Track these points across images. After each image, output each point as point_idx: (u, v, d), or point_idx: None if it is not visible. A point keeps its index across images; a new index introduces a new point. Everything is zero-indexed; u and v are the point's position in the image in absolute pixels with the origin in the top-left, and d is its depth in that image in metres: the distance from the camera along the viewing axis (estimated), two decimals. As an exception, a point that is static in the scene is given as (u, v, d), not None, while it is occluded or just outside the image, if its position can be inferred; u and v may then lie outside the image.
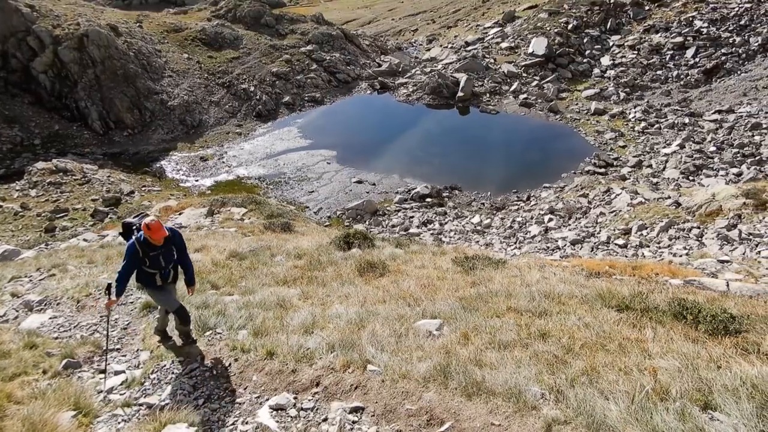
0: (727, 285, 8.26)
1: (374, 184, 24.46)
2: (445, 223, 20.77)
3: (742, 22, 34.48)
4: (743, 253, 14.64)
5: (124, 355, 5.70)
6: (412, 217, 21.23)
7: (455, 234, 19.72)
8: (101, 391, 4.92)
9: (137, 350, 5.77)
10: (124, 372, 5.26)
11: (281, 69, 36.49)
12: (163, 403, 4.60)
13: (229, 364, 5.10)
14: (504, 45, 38.49)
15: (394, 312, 5.81)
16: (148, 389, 4.93)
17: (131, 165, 27.24)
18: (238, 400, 4.58)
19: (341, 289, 7.19)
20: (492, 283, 6.92)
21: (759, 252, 14.58)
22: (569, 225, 19.41)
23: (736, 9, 35.52)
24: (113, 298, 5.00)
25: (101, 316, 6.55)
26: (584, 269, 9.16)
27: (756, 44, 32.78)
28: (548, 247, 17.74)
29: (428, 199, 22.51)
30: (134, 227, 5.32)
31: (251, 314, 6.18)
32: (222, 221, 15.57)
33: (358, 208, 21.95)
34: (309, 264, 8.95)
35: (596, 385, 3.70)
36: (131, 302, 7.13)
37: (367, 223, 21.19)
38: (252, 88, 34.29)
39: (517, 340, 4.74)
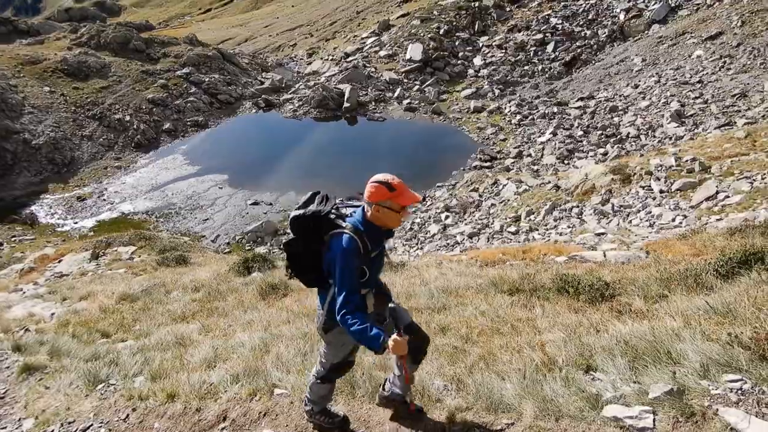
0: (604, 255, 9.05)
1: (271, 204, 24.02)
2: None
3: (590, 17, 38.17)
4: (617, 224, 16.08)
5: (4, 428, 5.12)
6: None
7: (358, 242, 19.86)
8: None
9: (19, 419, 5.22)
10: (4, 446, 4.74)
11: (158, 95, 34.78)
12: (54, 472, 4.20)
13: (127, 415, 4.77)
14: (382, 53, 39.53)
15: (299, 331, 5.74)
16: (36, 460, 4.47)
17: (-5, 215, 24.60)
18: (140, 451, 4.29)
19: (244, 317, 6.99)
20: (393, 287, 7.06)
21: (630, 221, 16.12)
22: (465, 219, 20.29)
23: (583, 5, 39.27)
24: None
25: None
26: (479, 260, 9.63)
27: (604, 36, 36.41)
28: (448, 244, 18.42)
29: (327, 212, 22.47)
30: (329, 213, 2.96)
31: (147, 358, 5.82)
32: (109, 263, 14.51)
33: (258, 231, 21.44)
34: (208, 295, 8.61)
35: (493, 368, 3.91)
36: (6, 367, 6.43)
37: (269, 244, 20.76)
38: (128, 118, 32.35)
39: (420, 338, 4.88)
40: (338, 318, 2.80)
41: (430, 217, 21.04)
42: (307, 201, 3.07)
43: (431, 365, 4.14)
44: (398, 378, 3.33)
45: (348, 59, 40.09)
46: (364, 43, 42.69)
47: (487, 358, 4.14)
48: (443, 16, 41.22)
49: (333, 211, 3.01)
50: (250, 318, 6.82)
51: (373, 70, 37.67)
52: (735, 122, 22.52)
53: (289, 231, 3.06)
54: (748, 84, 25.68)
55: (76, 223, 24.08)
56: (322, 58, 44.16)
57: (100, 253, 15.29)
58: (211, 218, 23.27)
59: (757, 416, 2.56)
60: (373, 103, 33.95)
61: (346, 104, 33.32)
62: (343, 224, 2.92)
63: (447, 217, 20.58)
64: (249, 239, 21.08)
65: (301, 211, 2.97)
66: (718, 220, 12.42)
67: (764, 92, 24.30)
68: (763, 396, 2.71)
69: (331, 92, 34.27)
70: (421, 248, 18.39)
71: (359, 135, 31.62)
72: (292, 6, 70.77)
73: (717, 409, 2.70)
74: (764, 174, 14.99)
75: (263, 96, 36.85)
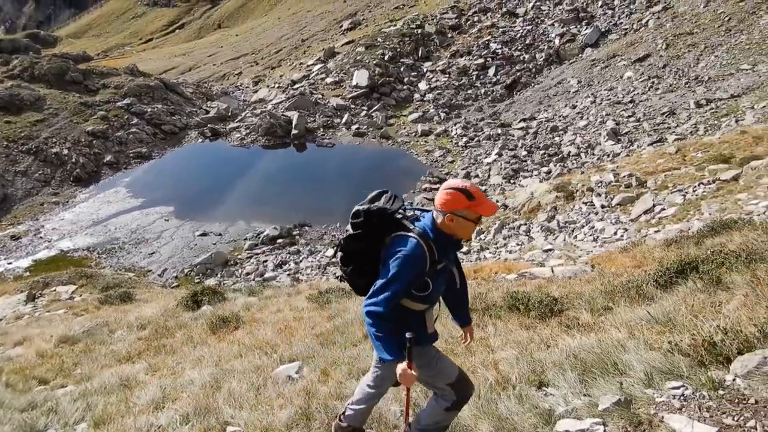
0: (552, 271, 9.30)
1: (220, 234, 23.48)
2: (300, 261, 20.62)
3: (528, 42, 39.87)
4: (563, 240, 16.59)
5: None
6: (266, 261, 20.74)
7: (312, 270, 19.66)
8: None
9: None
10: None
11: (98, 127, 33.63)
12: None
13: (67, 467, 4.48)
14: (329, 80, 39.83)
15: (252, 364, 5.59)
16: None
17: None
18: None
19: (193, 353, 6.74)
20: (347, 313, 7.00)
21: (575, 236, 16.68)
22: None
23: (521, 31, 41.02)
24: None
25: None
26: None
27: (541, 59, 38.06)
28: (401, 266, 18.45)
29: (279, 240, 22.19)
30: (396, 212, 2.74)
31: (90, 403, 5.50)
32: (47, 304, 13.75)
33: (207, 262, 20.86)
34: (155, 333, 8.27)
35: (448, 390, 3.91)
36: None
37: (219, 275, 20.21)
38: (65, 152, 31.07)
39: (375, 364, 4.84)
40: (364, 307, 2.61)
41: (382, 241, 21.07)
42: (373, 198, 2.80)
43: (387, 392, 4.10)
44: (425, 416, 3.13)
45: (295, 86, 40.15)
46: (310, 70, 42.92)
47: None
48: (387, 43, 42.06)
49: (401, 211, 2.79)
50: (199, 354, 6.59)
51: (320, 96, 37.85)
52: (666, 138, 23.86)
53: (348, 227, 2.80)
54: (675, 102, 27.33)
55: (10, 263, 22.73)
56: (268, 86, 44.05)
57: (37, 294, 14.48)
58: (158, 252, 22.49)
59: (699, 420, 2.66)
60: (322, 130, 34.03)
61: (294, 131, 33.24)
62: (411, 227, 2.69)
63: (399, 239, 20.67)
64: (198, 271, 20.48)
65: (368, 206, 2.74)
66: (656, 232, 13.02)
67: (690, 110, 25.92)
68: (704, 401, 2.82)
69: (278, 120, 34.14)
70: (376, 272, 18.35)
71: (309, 161, 31.54)
72: (236, 35, 70.51)
73: (662, 417, 2.79)
74: (695, 186, 15.88)
75: (209, 125, 36.27)
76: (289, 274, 19.29)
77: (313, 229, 23.44)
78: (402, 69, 39.80)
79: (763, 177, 14.32)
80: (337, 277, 2.80)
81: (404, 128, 33.35)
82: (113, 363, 7.13)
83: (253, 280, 19.02)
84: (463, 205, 2.61)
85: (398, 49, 41.40)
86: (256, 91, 43.96)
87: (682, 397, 2.90)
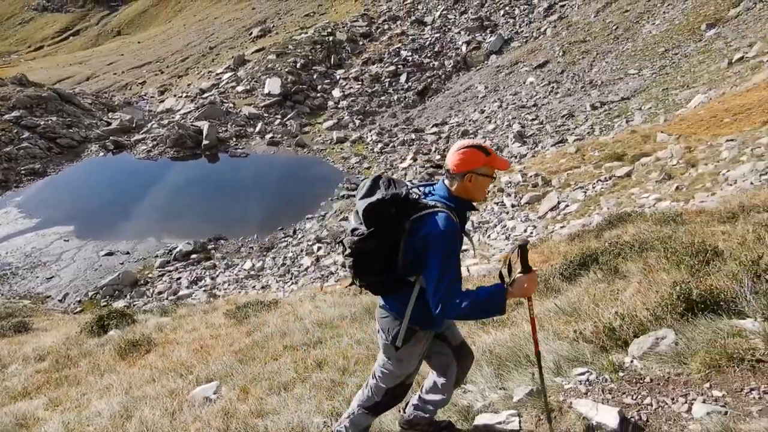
0: (468, 270, 9.59)
1: (128, 253, 22.13)
2: (217, 276, 19.89)
3: (436, 49, 41.13)
4: (478, 240, 17.19)
5: None
6: (179, 278, 19.80)
7: (229, 284, 19.03)
8: None
9: None
10: None
11: (-19, 143, 30.67)
12: None
13: None
14: (240, 88, 38.86)
15: (165, 388, 5.29)
16: None
17: None
18: None
19: (100, 382, 6.27)
20: (267, 327, 6.83)
21: (489, 236, 17.34)
22: (337, 249, 20.37)
23: (429, 39, 42.24)
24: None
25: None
26: (353, 288, 9.68)
27: (450, 66, 39.38)
28: (323, 275, 18.33)
29: (193, 256, 21.28)
30: (408, 194, 2.53)
31: (-21, 449, 4.97)
32: (-75, 342, 12.26)
33: (114, 283, 19.59)
34: (56, 363, 7.61)
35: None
36: None
37: (128, 297, 19.04)
38: (-56, 171, 28.05)
39: (296, 377, 4.75)
40: (446, 310, 2.34)
41: (302, 250, 20.83)
42: (371, 188, 2.51)
43: (308, 403, 4.04)
44: (430, 394, 2.97)
45: (204, 96, 38.79)
46: (220, 78, 41.66)
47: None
48: (299, 51, 41.73)
49: (412, 192, 2.56)
50: (107, 382, 6.14)
51: (231, 105, 36.83)
52: (567, 139, 25.45)
53: (358, 226, 2.48)
54: (573, 105, 29.25)
55: None
56: (175, 96, 42.22)
57: None
58: (57, 275, 20.81)
59: (603, 402, 2.83)
60: (235, 139, 33.11)
61: (205, 141, 32.08)
62: (431, 203, 2.48)
63: (319, 248, 20.52)
64: (105, 294, 19.18)
65: (379, 197, 2.42)
66: (561, 227, 13.83)
67: (587, 112, 27.84)
68: (606, 384, 3.01)
69: (188, 130, 32.81)
70: (296, 282, 18.09)
71: (222, 172, 30.56)
72: (138, 42, 67.07)
73: (570, 402, 2.94)
74: (594, 183, 17.05)
75: (111, 137, 34.14)
76: (205, 291, 18.54)
77: (230, 242, 22.71)
78: (315, 76, 39.64)
79: (651, 172, 15.65)
80: (348, 285, 2.43)
81: (320, 136, 33.21)
82: (7, 401, 6.48)
83: (167, 299, 18.10)
84: (482, 161, 2.46)
85: (310, 57, 41.21)
86: (163, 101, 41.99)
87: (587, 382, 3.08)
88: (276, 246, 22.06)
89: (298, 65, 39.92)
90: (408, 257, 2.45)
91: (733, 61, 25.32)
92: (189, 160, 31.58)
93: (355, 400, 3.03)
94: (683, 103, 24.05)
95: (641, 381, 2.93)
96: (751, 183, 10.94)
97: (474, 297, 2.34)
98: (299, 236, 22.43)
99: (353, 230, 2.50)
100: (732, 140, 15.05)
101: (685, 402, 2.64)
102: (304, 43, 42.80)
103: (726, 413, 2.46)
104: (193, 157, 31.85)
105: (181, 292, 18.67)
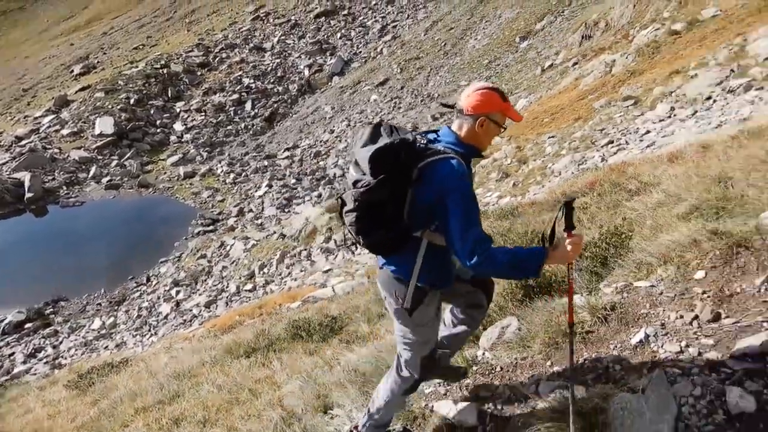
0: (333, 290, 9.51)
1: (-59, 335, 18.67)
2: (60, 342, 17.55)
3: (279, 74, 40.99)
4: (343, 257, 17.24)
5: None
6: (13, 353, 17.14)
7: (77, 349, 16.89)
8: None
9: None
10: None
11: None
12: None
13: None
14: (66, 131, 35.12)
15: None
16: None
17: None
18: None
19: None
20: (116, 391, 6.08)
21: (353, 252, 17.47)
22: (198, 290, 19.16)
23: (271, 64, 41.99)
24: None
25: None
26: (216, 329, 9.09)
27: (295, 90, 39.47)
28: (185, 320, 17.06)
29: (28, 325, 18.59)
30: (416, 139, 2.30)
31: None
32: None
33: (-75, 374, 16.36)
34: None
35: (233, 444, 3.60)
36: None
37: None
38: None
39: (150, 441, 4.24)
40: (482, 261, 2.11)
41: (159, 297, 19.24)
42: (373, 135, 2.27)
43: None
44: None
45: (21, 143, 34.38)
46: (40, 123, 37.29)
47: (228, 434, 3.81)
48: (131, 86, 38.95)
49: (419, 138, 2.33)
50: None
51: (56, 151, 33.10)
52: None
53: (360, 177, 2.21)
54: (416, 118, 30.86)
55: None
56: (-15, 146, 36.94)
57: None
58: None
59: (461, 400, 2.86)
60: (65, 188, 29.78)
61: (28, 194, 28.39)
62: (440, 149, 2.26)
63: (178, 292, 19.12)
64: None
65: (387, 141, 2.19)
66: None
67: (429, 123, 29.53)
68: (462, 380, 3.05)
69: (5, 183, 28.82)
70: (156, 333, 16.61)
71: (53, 226, 27.19)
72: (-70, 89, 57.84)
73: (432, 406, 2.93)
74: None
75: None
76: (46, 362, 16.23)
77: (72, 302, 20.24)
78: (152, 111, 37.24)
79: (491, 173, 16.96)
80: (350, 245, 1.99)
81: (164, 173, 31.17)
82: None
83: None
84: (498, 106, 2.30)
85: (144, 91, 38.66)
86: (-31, 154, 36.47)
87: (445, 383, 3.10)
88: (128, 297, 20.12)
89: (132, 101, 37.22)
90: (416, 209, 2.25)
91: (545, 68, 28.60)
92: (10, 218, 27.70)
93: (382, 392, 2.79)
94: (509, 107, 26.54)
95: (493, 371, 3.01)
96: (572, 173, 12.31)
97: (513, 252, 2.19)
98: (154, 282, 20.71)
99: (355, 182, 2.25)
100: (553, 137, 16.87)
101: (532, 383, 2.75)
102: (135, 77, 40.07)
103: (567, 386, 2.60)
104: (16, 213, 28.01)
105: (16, 370, 16.13)
